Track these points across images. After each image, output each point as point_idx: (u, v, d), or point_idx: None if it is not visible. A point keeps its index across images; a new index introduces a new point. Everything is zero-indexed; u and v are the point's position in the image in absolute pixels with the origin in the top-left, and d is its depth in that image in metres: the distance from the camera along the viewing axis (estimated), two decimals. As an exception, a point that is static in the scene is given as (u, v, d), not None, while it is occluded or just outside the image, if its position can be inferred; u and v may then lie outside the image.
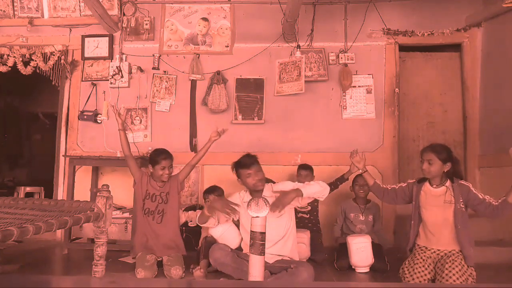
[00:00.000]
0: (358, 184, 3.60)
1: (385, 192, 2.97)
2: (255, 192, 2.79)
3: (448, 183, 2.71)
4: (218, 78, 4.47)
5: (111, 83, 4.53)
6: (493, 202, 2.56)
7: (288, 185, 2.86)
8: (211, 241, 3.00)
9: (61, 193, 4.51)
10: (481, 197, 2.60)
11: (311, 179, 3.82)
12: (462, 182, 2.70)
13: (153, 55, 4.57)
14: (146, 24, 4.64)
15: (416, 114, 4.61)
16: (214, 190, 3.46)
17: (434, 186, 2.73)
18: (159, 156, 3.15)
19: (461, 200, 2.63)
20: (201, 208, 3.89)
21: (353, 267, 3.22)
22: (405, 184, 2.90)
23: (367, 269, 3.21)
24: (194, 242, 3.57)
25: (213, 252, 2.75)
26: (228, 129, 3.47)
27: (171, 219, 3.19)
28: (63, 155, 4.47)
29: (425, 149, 2.78)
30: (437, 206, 2.67)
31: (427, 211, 2.71)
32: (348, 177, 3.67)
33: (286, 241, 2.76)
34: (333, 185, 3.70)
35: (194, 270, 2.91)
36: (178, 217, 3.30)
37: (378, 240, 3.46)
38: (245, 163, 2.79)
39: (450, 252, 2.63)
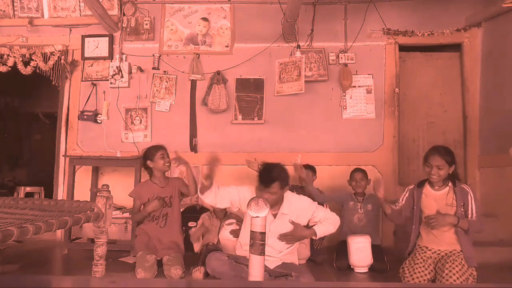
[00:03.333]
0: (355, 179, 3.60)
1: (400, 214, 2.88)
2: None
3: (450, 184, 2.71)
4: (218, 78, 4.47)
5: (111, 83, 4.53)
6: (473, 218, 2.61)
7: (307, 206, 2.73)
8: (212, 249, 2.99)
9: (61, 193, 4.51)
10: (469, 212, 2.62)
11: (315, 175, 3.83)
12: (464, 187, 2.69)
13: (153, 55, 4.56)
14: (146, 24, 4.64)
15: (416, 114, 4.61)
16: None
17: (436, 188, 2.73)
18: (154, 147, 3.26)
19: (462, 204, 2.63)
20: (201, 208, 3.89)
21: (352, 267, 3.22)
22: (407, 194, 2.85)
23: (366, 269, 3.21)
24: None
25: (209, 261, 2.67)
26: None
27: (174, 221, 3.21)
28: (63, 155, 4.47)
29: (431, 153, 2.71)
30: (439, 209, 2.67)
31: (429, 213, 2.70)
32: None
33: (292, 250, 2.78)
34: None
35: (193, 271, 2.91)
36: (180, 218, 3.31)
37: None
38: (263, 182, 2.58)
39: (450, 252, 2.62)
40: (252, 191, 2.71)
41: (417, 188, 2.81)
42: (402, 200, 2.87)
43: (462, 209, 2.63)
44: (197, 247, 3.34)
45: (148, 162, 3.21)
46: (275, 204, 2.62)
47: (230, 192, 2.75)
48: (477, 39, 4.45)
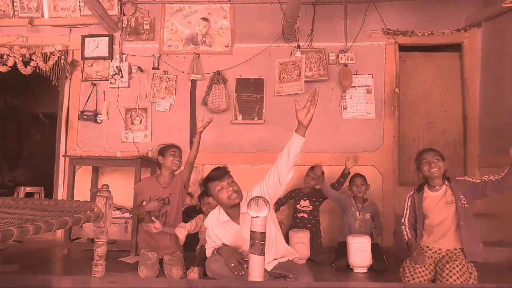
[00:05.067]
0: (356, 184, 3.62)
1: (414, 229, 2.83)
2: (231, 209, 2.50)
3: (446, 183, 2.72)
4: (218, 78, 4.47)
5: (111, 83, 4.53)
6: (495, 177, 2.56)
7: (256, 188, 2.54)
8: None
9: (61, 193, 4.51)
10: (479, 181, 2.61)
11: (318, 180, 3.84)
12: (459, 178, 2.71)
13: (153, 55, 4.56)
14: (146, 24, 4.64)
15: (416, 114, 4.61)
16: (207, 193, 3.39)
17: (437, 187, 2.73)
18: (168, 145, 3.29)
19: (462, 196, 2.62)
20: (201, 209, 3.88)
21: (351, 267, 3.23)
22: (409, 202, 2.85)
23: (365, 270, 3.21)
24: (194, 242, 3.56)
25: (209, 264, 2.58)
26: (214, 117, 3.38)
27: (173, 218, 3.20)
28: (63, 155, 4.47)
29: (423, 152, 2.79)
30: (440, 209, 2.67)
31: (432, 216, 2.70)
32: (349, 171, 3.71)
33: (277, 244, 2.59)
34: (337, 183, 3.74)
35: (188, 272, 2.91)
36: (181, 216, 3.30)
37: (375, 239, 3.51)
38: (214, 176, 2.49)
39: (451, 252, 2.62)
40: (212, 216, 2.65)
41: (416, 193, 2.82)
42: (407, 210, 2.85)
43: (464, 201, 2.60)
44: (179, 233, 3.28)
45: (160, 157, 3.24)
46: (240, 197, 2.45)
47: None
48: (477, 39, 4.45)
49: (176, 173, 3.31)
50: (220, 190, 2.45)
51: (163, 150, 3.25)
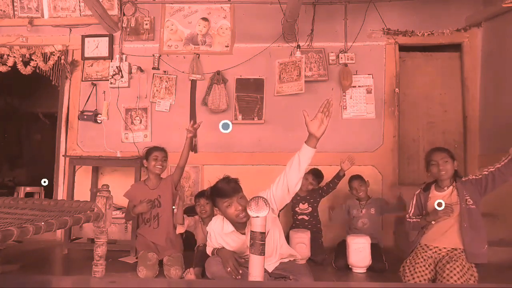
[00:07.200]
0: (355, 188, 3.63)
1: (418, 224, 2.81)
2: (238, 224, 2.44)
3: (454, 184, 2.71)
4: (218, 78, 4.47)
5: (111, 83, 4.53)
6: (495, 167, 2.55)
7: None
8: (204, 251, 2.98)
9: (61, 193, 4.51)
10: (480, 176, 2.60)
11: (317, 183, 3.84)
12: (464, 179, 2.70)
13: (153, 55, 4.56)
14: (146, 24, 4.64)
15: (416, 114, 4.61)
16: (203, 194, 3.32)
17: (445, 188, 2.73)
18: (153, 148, 3.33)
19: (467, 197, 2.61)
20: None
21: (350, 266, 3.23)
22: (415, 200, 2.85)
23: (364, 270, 3.22)
24: (193, 243, 3.56)
25: (209, 266, 2.55)
26: (202, 121, 3.52)
27: (166, 220, 3.22)
28: (63, 155, 4.47)
29: (432, 152, 2.77)
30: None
31: None
32: (344, 173, 3.68)
33: (281, 249, 2.59)
34: (332, 184, 3.72)
35: (185, 274, 2.92)
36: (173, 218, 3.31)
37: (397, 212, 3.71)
38: (223, 192, 2.37)
39: (452, 252, 2.62)
40: (217, 221, 2.61)
41: (423, 192, 2.82)
42: (412, 208, 2.85)
43: (469, 202, 2.59)
44: (179, 229, 3.26)
45: (144, 161, 3.29)
46: (247, 216, 2.32)
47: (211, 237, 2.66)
48: (477, 39, 4.45)
49: (163, 175, 3.35)
50: (228, 207, 2.38)
51: (147, 153, 3.30)
